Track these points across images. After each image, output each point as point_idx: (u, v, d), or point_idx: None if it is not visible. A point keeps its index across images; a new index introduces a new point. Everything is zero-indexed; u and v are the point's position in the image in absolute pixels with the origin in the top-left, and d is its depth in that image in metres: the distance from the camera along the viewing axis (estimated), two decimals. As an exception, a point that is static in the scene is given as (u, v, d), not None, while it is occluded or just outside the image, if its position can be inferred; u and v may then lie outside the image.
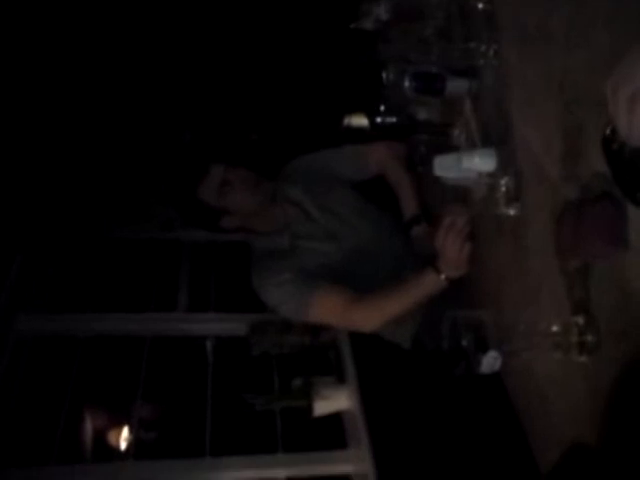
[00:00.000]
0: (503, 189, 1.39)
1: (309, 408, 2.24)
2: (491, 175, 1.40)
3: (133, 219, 2.87)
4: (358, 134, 1.85)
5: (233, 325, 2.63)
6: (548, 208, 1.26)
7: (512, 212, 1.40)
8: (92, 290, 2.71)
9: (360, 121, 1.81)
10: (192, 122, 3.08)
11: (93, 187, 2.85)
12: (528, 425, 1.41)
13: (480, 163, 1.39)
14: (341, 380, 2.33)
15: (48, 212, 2.73)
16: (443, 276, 1.53)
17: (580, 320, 1.16)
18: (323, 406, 2.26)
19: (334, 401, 2.28)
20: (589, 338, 1.15)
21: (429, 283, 1.56)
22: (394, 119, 1.64)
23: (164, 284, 2.82)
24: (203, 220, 1.93)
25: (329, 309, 1.73)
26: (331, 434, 2.35)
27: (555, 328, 1.19)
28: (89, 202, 2.83)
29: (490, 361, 1.14)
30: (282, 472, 2.22)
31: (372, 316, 1.69)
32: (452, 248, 1.46)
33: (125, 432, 2.46)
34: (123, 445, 2.45)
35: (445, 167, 1.50)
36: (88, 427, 2.49)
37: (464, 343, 1.12)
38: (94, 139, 2.94)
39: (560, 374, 1.25)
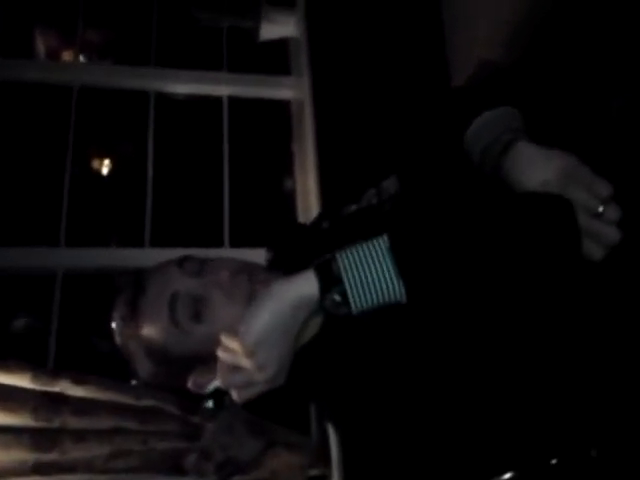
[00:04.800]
0: None
1: (256, 30, 2.25)
2: None
3: None
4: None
5: None
6: None
7: None
8: None
9: None
10: None
11: None
12: (450, 38, 1.46)
13: None
14: (291, 5, 2.30)
15: None
16: None
17: None
18: (270, 30, 2.26)
19: (281, 26, 2.27)
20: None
21: None
22: None
23: None
24: None
25: None
26: (276, 63, 2.39)
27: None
28: None
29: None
30: (225, 90, 2.32)
31: None
32: None
33: (80, 58, 2.44)
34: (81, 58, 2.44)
35: None
36: (40, 47, 2.46)
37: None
38: None
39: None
